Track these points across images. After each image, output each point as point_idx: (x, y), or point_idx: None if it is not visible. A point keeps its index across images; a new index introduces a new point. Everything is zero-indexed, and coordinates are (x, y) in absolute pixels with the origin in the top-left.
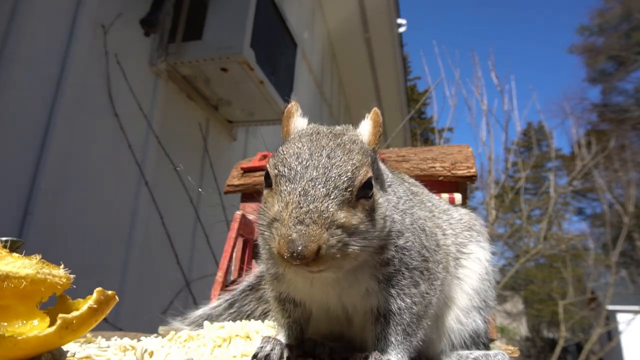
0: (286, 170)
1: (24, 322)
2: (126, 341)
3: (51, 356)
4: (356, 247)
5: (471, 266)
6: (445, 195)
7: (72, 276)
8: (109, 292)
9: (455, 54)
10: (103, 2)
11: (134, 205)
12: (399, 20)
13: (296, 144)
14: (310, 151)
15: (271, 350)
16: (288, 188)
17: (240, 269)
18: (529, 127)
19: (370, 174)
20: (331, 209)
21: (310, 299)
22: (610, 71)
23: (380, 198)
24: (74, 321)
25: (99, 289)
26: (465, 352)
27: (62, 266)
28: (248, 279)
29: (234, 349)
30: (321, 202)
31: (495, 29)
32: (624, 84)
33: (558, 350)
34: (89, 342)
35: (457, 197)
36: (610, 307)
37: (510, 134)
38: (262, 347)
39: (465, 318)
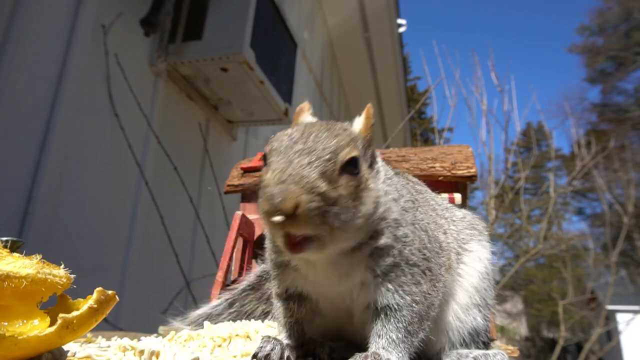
0: (277, 144)
1: (24, 322)
2: (126, 341)
3: (51, 356)
4: (335, 219)
5: (472, 264)
6: (445, 195)
7: (72, 276)
8: (109, 292)
9: (455, 54)
10: (103, 2)
11: (134, 205)
12: (399, 20)
13: (291, 129)
14: (301, 132)
15: (271, 350)
16: (277, 159)
17: (240, 269)
18: (528, 127)
19: (355, 154)
20: (312, 176)
21: (314, 288)
22: (610, 71)
23: (373, 184)
24: (75, 321)
25: (99, 289)
26: (464, 351)
27: (62, 266)
28: (248, 278)
29: (234, 349)
30: (303, 168)
31: (495, 29)
32: (623, 84)
33: (558, 350)
34: (89, 342)
35: (457, 197)
36: (610, 307)
37: (510, 134)
38: (262, 347)
39: (464, 315)
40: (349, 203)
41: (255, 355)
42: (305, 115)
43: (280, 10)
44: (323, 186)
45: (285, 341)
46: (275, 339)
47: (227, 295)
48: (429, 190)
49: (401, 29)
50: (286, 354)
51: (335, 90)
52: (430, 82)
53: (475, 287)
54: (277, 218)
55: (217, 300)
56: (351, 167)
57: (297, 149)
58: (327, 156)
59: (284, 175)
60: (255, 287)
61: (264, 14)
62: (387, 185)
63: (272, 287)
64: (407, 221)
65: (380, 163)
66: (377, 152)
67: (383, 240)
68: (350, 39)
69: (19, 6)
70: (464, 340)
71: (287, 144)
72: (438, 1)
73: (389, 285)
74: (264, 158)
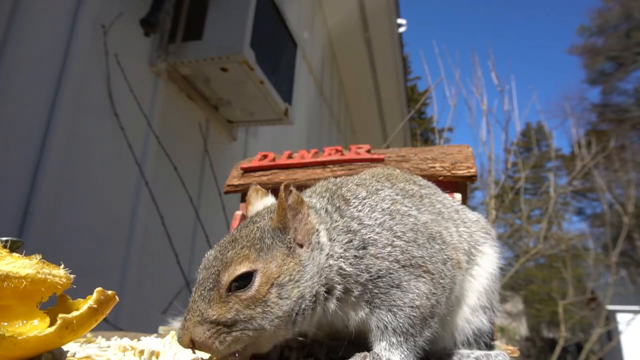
0: (196, 274)
1: (24, 322)
2: (126, 341)
3: (51, 356)
4: (237, 334)
5: (485, 266)
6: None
7: (72, 276)
8: (109, 292)
9: (455, 54)
10: (103, 2)
11: (134, 205)
12: (399, 20)
13: (215, 245)
14: (211, 254)
15: (271, 350)
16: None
17: None
18: (528, 127)
19: (244, 270)
20: (201, 309)
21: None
22: (610, 71)
23: (293, 273)
24: (74, 321)
25: (99, 289)
26: (466, 352)
27: (62, 266)
28: None
29: None
30: (195, 303)
31: (495, 29)
32: (623, 84)
33: (558, 350)
34: (89, 342)
35: (457, 197)
36: (610, 307)
37: (510, 134)
38: None
39: (472, 316)
40: (253, 312)
41: (254, 355)
42: (254, 204)
43: (280, 10)
44: (213, 314)
45: (285, 342)
46: None
47: None
48: (437, 192)
49: (401, 29)
50: (285, 354)
51: (335, 90)
52: (430, 82)
53: (485, 288)
54: (189, 350)
55: None
56: (243, 281)
57: (197, 281)
58: (210, 284)
59: (187, 312)
60: None
61: (264, 14)
62: (330, 246)
63: None
64: (374, 255)
65: (320, 222)
66: (303, 215)
67: (355, 293)
68: (350, 39)
69: (19, 6)
70: (467, 340)
71: (198, 273)
72: (438, 1)
73: (380, 310)
74: None
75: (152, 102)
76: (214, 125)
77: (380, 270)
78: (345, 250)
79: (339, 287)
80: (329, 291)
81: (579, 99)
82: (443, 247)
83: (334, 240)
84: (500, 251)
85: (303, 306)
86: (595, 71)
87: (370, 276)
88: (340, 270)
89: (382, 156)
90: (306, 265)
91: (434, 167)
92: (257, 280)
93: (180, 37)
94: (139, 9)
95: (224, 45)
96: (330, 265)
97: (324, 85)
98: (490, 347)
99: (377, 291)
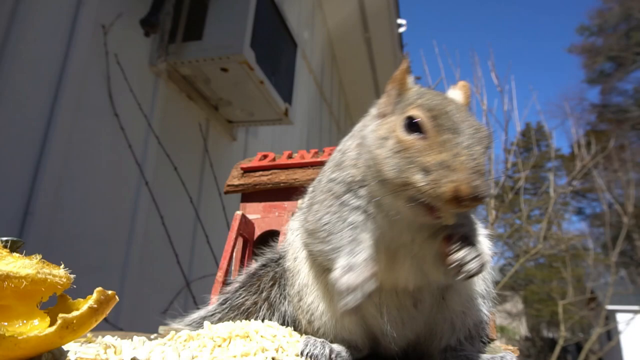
0: (450, 123)
1: (24, 322)
2: (125, 341)
3: (51, 356)
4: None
5: None
6: None
7: (72, 276)
8: (109, 292)
9: (456, 54)
10: (103, 2)
11: (134, 205)
12: (399, 20)
13: (441, 100)
14: (458, 110)
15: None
16: (455, 140)
17: (240, 269)
18: (527, 127)
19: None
20: (486, 165)
21: (387, 277)
22: (609, 72)
23: None
24: (75, 321)
25: (99, 289)
26: (473, 354)
27: (62, 266)
28: (239, 278)
29: (234, 349)
30: (481, 157)
31: (495, 29)
32: (623, 84)
33: (558, 350)
34: (89, 342)
35: None
36: (610, 307)
37: (510, 134)
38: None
39: (468, 304)
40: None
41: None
42: (410, 76)
43: (280, 10)
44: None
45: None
46: (317, 339)
47: (222, 296)
48: None
49: (401, 29)
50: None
51: (335, 90)
52: (430, 82)
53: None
54: (466, 203)
55: (216, 301)
56: None
57: (470, 134)
58: (487, 143)
59: (475, 165)
60: (245, 285)
61: (264, 14)
62: None
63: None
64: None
65: None
66: None
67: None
68: (350, 39)
69: (19, 6)
70: (469, 331)
71: (459, 124)
72: (438, 1)
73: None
74: (415, 126)
75: (152, 102)
76: (214, 125)
77: None
78: None
79: None
80: None
81: (578, 99)
82: None
83: None
84: (487, 231)
85: None
86: (595, 71)
87: None
88: None
89: None
90: None
91: None
92: None
93: (180, 37)
94: (139, 9)
95: (224, 45)
96: None
97: (324, 85)
98: (486, 344)
99: None
